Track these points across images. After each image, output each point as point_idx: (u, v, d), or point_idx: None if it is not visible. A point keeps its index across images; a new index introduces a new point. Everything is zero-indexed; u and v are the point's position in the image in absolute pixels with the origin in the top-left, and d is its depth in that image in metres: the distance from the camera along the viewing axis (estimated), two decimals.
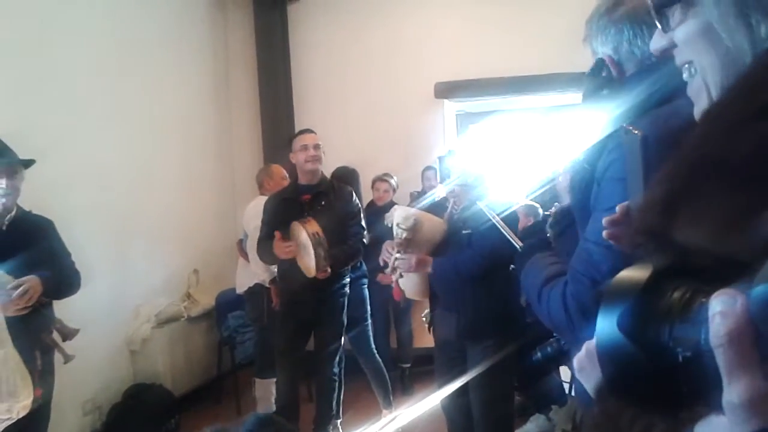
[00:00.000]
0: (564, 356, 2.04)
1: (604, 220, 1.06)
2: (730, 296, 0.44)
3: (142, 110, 4.71)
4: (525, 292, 1.60)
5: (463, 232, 2.97)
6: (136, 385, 4.31)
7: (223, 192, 5.89)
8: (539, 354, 2.06)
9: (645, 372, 0.49)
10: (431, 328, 3.34)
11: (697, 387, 0.45)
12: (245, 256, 4.63)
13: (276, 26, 5.93)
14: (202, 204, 5.51)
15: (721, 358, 0.44)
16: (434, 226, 3.16)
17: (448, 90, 5.82)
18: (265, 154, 5.89)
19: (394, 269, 3.13)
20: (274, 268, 4.23)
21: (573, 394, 3.85)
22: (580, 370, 0.79)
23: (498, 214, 2.57)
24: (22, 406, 2.61)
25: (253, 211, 4.38)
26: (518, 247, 1.94)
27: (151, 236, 4.73)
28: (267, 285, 4.52)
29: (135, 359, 4.46)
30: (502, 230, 2.23)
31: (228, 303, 5.08)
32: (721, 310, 0.44)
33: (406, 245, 3.07)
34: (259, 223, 4.03)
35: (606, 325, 0.52)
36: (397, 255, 3.08)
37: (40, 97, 3.73)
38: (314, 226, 3.48)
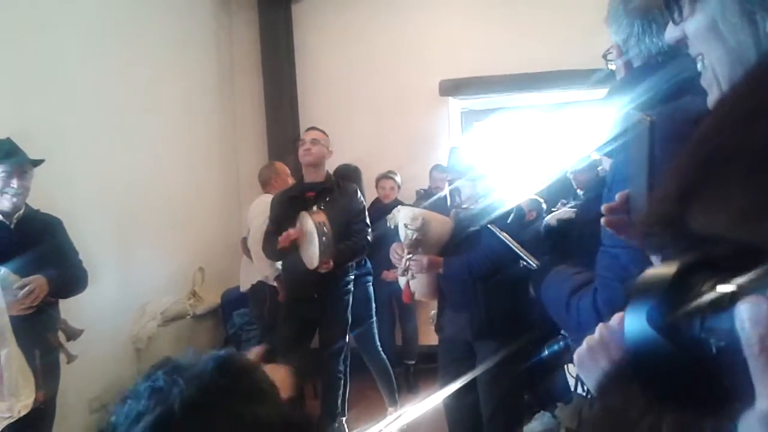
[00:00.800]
0: (573, 353, 2.03)
1: (603, 207, 1.05)
2: (757, 302, 0.43)
3: (147, 110, 4.71)
4: (547, 306, 1.58)
5: (471, 229, 2.96)
6: None
7: (228, 190, 5.89)
8: (546, 351, 2.05)
9: (679, 366, 0.48)
10: (436, 328, 3.32)
11: (732, 378, 0.44)
12: (249, 254, 4.64)
13: (280, 25, 5.94)
14: (207, 202, 5.52)
15: (754, 366, 0.43)
16: (442, 225, 3.13)
17: (452, 87, 5.81)
18: (270, 152, 5.90)
19: (405, 271, 3.10)
20: (278, 265, 4.24)
21: (579, 391, 3.84)
22: (581, 365, 0.79)
23: (503, 227, 2.55)
24: (23, 405, 2.62)
25: (258, 209, 4.39)
26: (533, 264, 1.91)
27: (156, 234, 4.74)
28: (270, 282, 4.53)
29: (141, 357, 4.46)
30: (514, 248, 2.20)
31: (233, 301, 5.09)
32: (750, 317, 0.43)
33: (416, 246, 3.05)
34: (262, 221, 4.03)
35: (635, 322, 0.51)
36: (409, 256, 3.06)
37: (46, 97, 3.74)
38: (321, 217, 3.49)
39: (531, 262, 1.93)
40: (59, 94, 3.86)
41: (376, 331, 4.34)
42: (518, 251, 2.12)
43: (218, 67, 5.88)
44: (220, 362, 0.88)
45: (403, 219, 3.09)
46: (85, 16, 4.14)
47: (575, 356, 0.81)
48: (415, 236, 3.02)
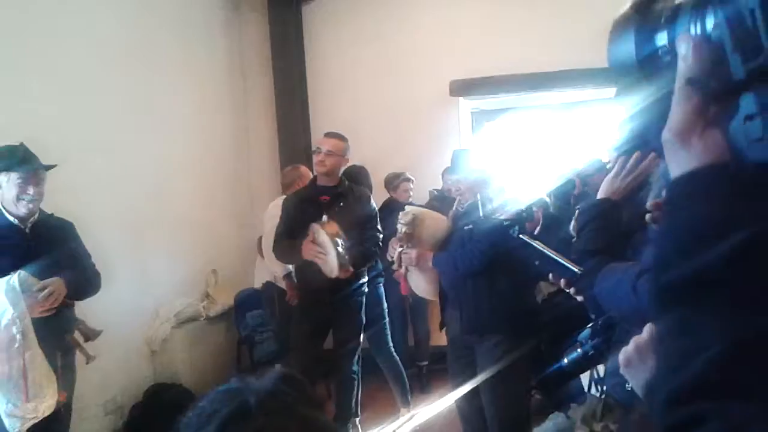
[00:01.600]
0: (592, 360, 2.00)
1: (649, 204, 1.06)
2: (685, 39, 0.54)
3: (159, 113, 4.76)
4: (606, 299, 1.57)
5: (465, 228, 2.99)
6: (156, 385, 4.36)
7: (240, 192, 5.92)
8: (566, 360, 2.03)
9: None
10: (443, 327, 3.36)
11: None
12: (267, 254, 4.68)
13: (290, 26, 5.95)
14: (219, 205, 5.55)
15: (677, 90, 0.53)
16: (436, 222, 3.26)
17: (463, 88, 5.82)
18: (281, 154, 5.93)
19: (399, 264, 3.25)
20: (289, 266, 4.27)
21: (592, 391, 3.83)
22: (627, 366, 0.78)
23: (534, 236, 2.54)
24: (47, 405, 2.66)
25: (274, 210, 4.41)
26: (576, 270, 1.89)
27: (169, 237, 4.78)
28: (279, 284, 4.56)
29: (155, 359, 4.51)
30: (555, 257, 2.19)
31: (246, 302, 5.12)
32: (682, 50, 0.53)
33: (407, 240, 3.18)
34: (277, 222, 4.05)
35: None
36: (400, 249, 3.17)
37: (59, 102, 3.79)
38: (334, 228, 3.51)
39: (574, 269, 1.90)
40: (73, 99, 3.90)
41: (388, 331, 4.35)
42: (558, 259, 2.09)
43: (229, 70, 5.91)
44: (283, 375, 0.99)
45: (399, 216, 3.27)
46: (97, 22, 4.18)
47: (621, 356, 0.81)
48: (404, 230, 3.20)
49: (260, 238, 4.86)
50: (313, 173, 4.70)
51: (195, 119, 5.27)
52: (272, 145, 6.03)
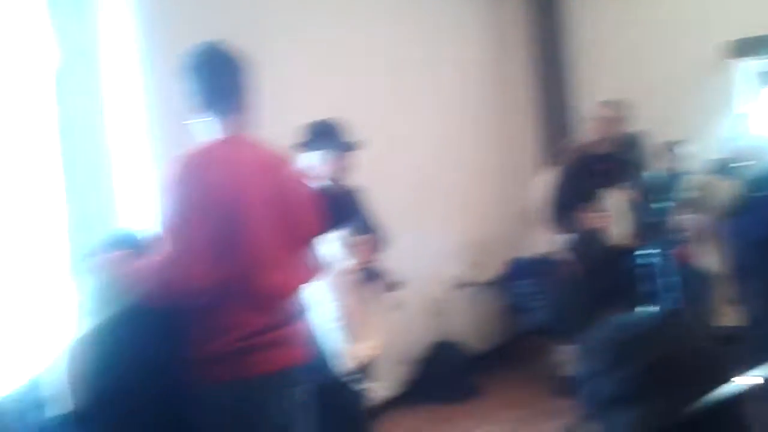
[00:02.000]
0: None
1: None
2: None
3: (427, 93, 5.12)
4: None
5: (750, 195, 2.83)
6: (439, 343, 4.74)
7: (504, 165, 6.00)
8: None
9: None
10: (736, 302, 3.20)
11: None
12: (540, 224, 4.79)
13: None
14: (485, 178, 5.77)
15: None
16: (722, 189, 3.11)
17: (743, 48, 5.32)
18: (543, 125, 5.98)
19: (681, 231, 3.17)
20: (567, 237, 4.31)
21: None
22: None
23: None
24: (370, 348, 3.04)
25: (545, 182, 4.49)
26: None
27: (443, 209, 5.13)
28: (560, 255, 4.62)
29: (437, 319, 4.86)
30: None
31: (517, 271, 5.32)
32: None
33: (692, 208, 3.10)
34: (548, 194, 4.13)
35: None
36: (684, 217, 3.12)
37: (360, 89, 4.36)
38: (622, 195, 3.52)
39: None
40: (367, 85, 4.44)
41: (677, 305, 4.18)
42: None
43: (488, 43, 6.00)
44: (673, 311, 1.06)
45: (684, 183, 3.36)
46: (383, 20, 4.72)
47: None
48: (689, 198, 3.23)
49: (532, 209, 4.98)
50: (583, 143, 4.72)
51: (460, 95, 5.54)
52: (534, 117, 6.05)
